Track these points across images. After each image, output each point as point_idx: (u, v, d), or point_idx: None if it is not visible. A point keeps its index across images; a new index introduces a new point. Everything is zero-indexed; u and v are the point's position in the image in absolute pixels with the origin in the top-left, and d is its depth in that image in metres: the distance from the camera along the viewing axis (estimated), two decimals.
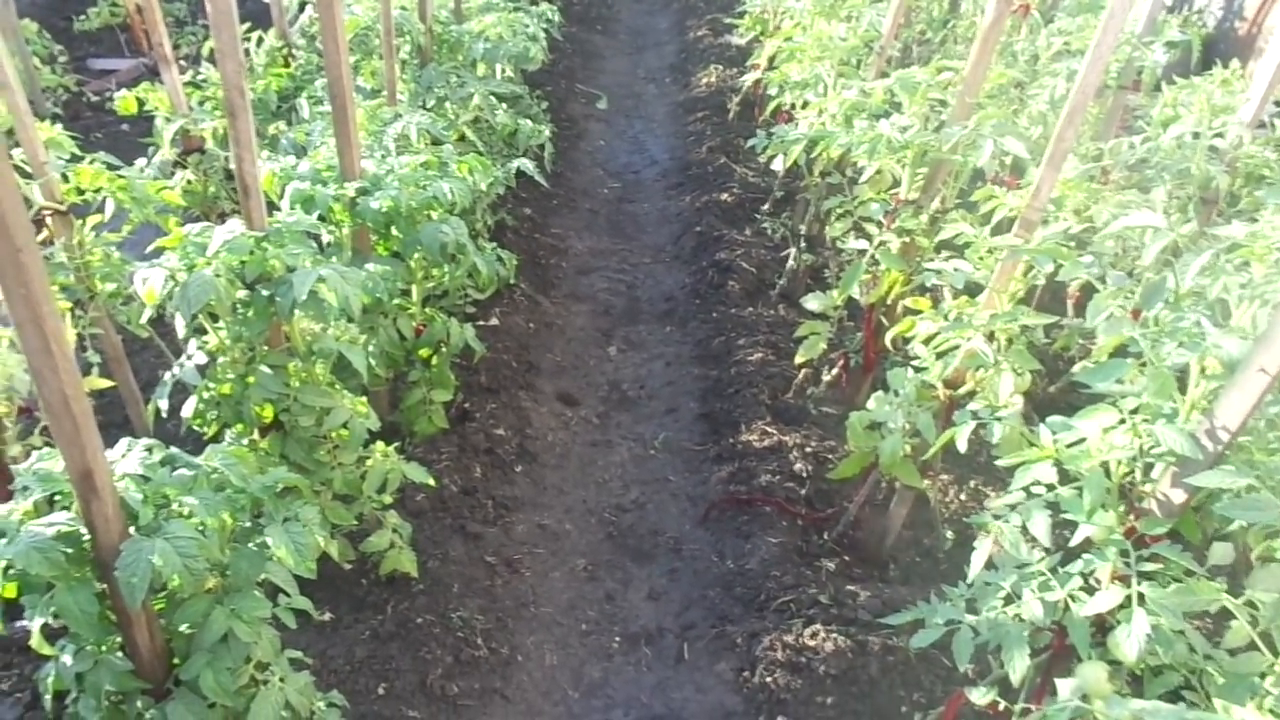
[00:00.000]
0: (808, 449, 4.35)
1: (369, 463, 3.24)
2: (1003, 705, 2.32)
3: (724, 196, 6.94)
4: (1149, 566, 2.03)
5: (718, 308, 5.66)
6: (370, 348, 3.56)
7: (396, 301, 3.76)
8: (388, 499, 3.30)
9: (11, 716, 2.87)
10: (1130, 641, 1.93)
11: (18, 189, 1.55)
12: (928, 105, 3.68)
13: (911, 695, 3.17)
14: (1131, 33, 4.51)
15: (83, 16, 9.13)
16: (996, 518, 2.27)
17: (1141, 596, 1.98)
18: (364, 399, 3.22)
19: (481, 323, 4.97)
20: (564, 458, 4.59)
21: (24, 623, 2.81)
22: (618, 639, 3.62)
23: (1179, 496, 2.10)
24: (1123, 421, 2.08)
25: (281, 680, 2.28)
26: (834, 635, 3.29)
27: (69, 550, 1.90)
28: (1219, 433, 1.97)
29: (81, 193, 3.42)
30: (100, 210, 3.46)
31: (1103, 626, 2.15)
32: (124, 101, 4.51)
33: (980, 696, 2.34)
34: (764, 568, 3.73)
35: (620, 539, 4.12)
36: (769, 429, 4.49)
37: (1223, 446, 1.97)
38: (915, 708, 3.14)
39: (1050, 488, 2.18)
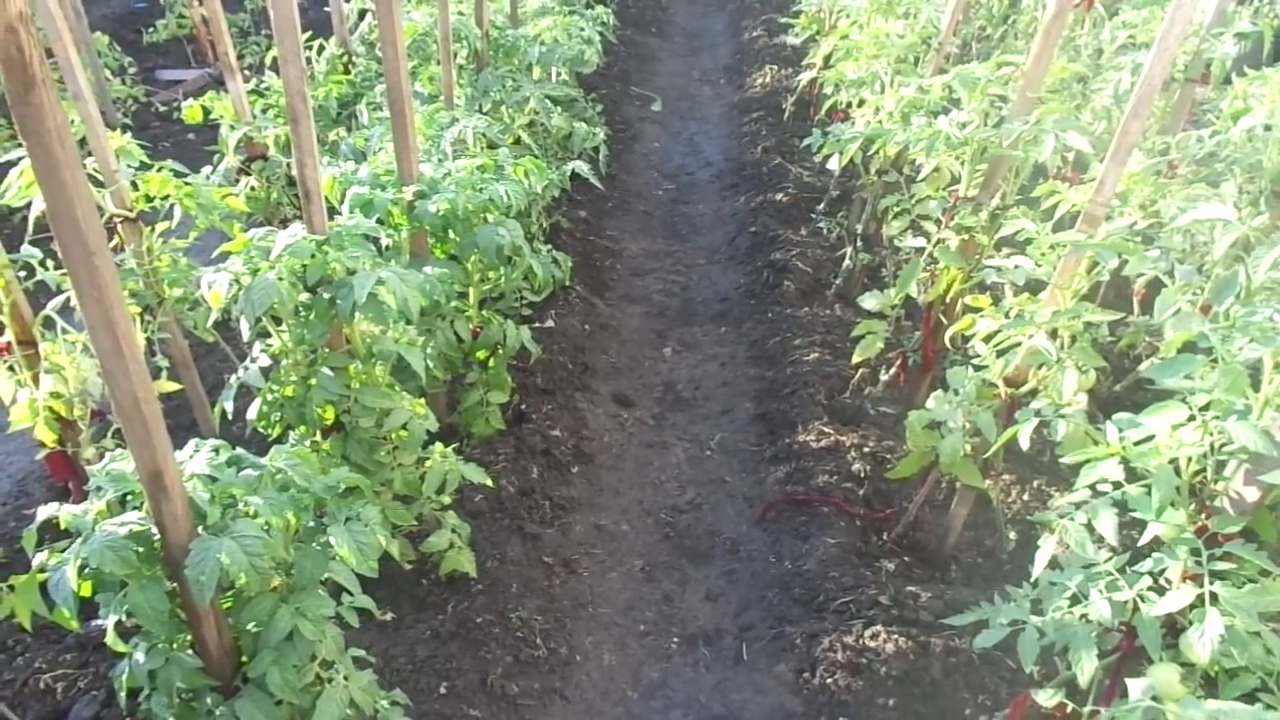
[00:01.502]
0: (865, 449, 4.31)
1: (428, 463, 3.28)
2: (1070, 707, 2.27)
3: (779, 197, 6.90)
4: (1222, 566, 1.98)
5: (773, 308, 5.63)
6: (428, 350, 3.60)
7: (454, 304, 3.80)
8: (446, 499, 3.33)
9: (89, 714, 2.94)
10: (1203, 642, 1.89)
11: (92, 196, 1.59)
12: (988, 101, 3.63)
13: (976, 697, 3.12)
14: (1200, 24, 4.40)
15: (151, 29, 9.37)
16: (1062, 516, 2.23)
17: (1215, 596, 1.93)
18: (422, 401, 3.26)
19: (537, 324, 5.00)
20: (620, 459, 4.60)
21: (99, 622, 2.89)
22: (676, 640, 3.61)
23: (1252, 494, 2.05)
24: (1192, 418, 2.03)
25: (346, 678, 2.31)
26: (895, 636, 3.25)
27: (140, 549, 1.95)
28: None
29: (150, 200, 3.49)
30: (168, 217, 3.54)
31: (1173, 628, 2.11)
32: (190, 110, 4.62)
33: (1047, 699, 2.30)
34: (822, 568, 3.70)
35: (677, 540, 4.11)
36: (826, 429, 4.45)
37: None
38: (979, 710, 3.09)
39: (1117, 485, 2.13)
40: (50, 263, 3.08)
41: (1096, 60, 4.85)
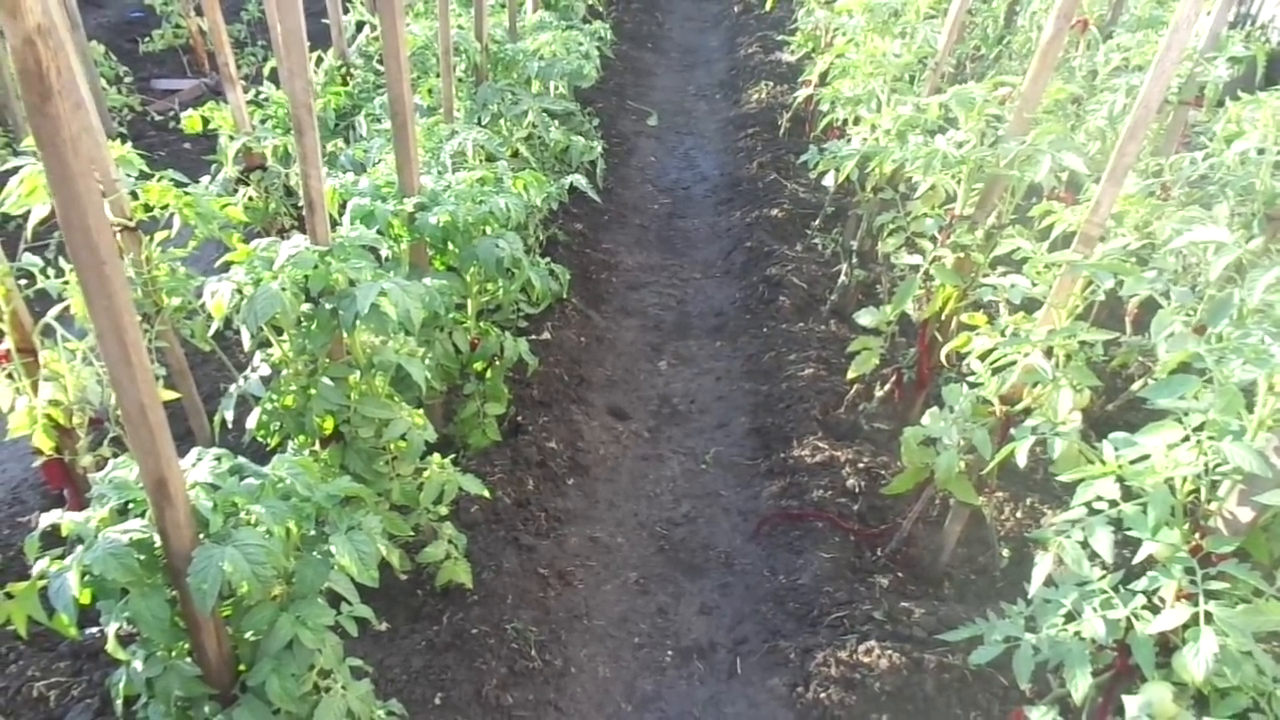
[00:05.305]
0: (860, 464, 4.32)
1: (426, 474, 3.28)
2: None
3: (774, 212, 6.94)
4: (1216, 585, 2.00)
5: (768, 323, 5.66)
6: (426, 361, 3.61)
7: (452, 315, 3.81)
8: (444, 510, 3.33)
9: None
10: (1197, 661, 1.90)
11: (102, 206, 1.60)
12: (984, 121, 3.67)
13: (968, 714, 3.14)
14: (1194, 48, 4.46)
15: (147, 39, 9.37)
16: (1059, 533, 2.25)
17: (1209, 615, 1.95)
18: (420, 411, 3.27)
19: (534, 337, 5.01)
20: (615, 471, 4.61)
21: (94, 629, 2.89)
22: (670, 652, 3.62)
23: (1246, 515, 2.07)
24: (1187, 438, 2.05)
25: (344, 688, 2.31)
26: (889, 652, 3.26)
27: (142, 557, 1.95)
28: None
29: (149, 209, 3.50)
30: (167, 226, 3.55)
31: (1167, 646, 2.13)
32: (190, 120, 4.64)
33: (1040, 716, 2.31)
34: (816, 583, 3.71)
35: (672, 553, 4.12)
36: (820, 444, 4.47)
37: None
38: None
39: (1113, 504, 2.15)
40: (50, 271, 3.09)
41: (1091, 82, 4.90)
